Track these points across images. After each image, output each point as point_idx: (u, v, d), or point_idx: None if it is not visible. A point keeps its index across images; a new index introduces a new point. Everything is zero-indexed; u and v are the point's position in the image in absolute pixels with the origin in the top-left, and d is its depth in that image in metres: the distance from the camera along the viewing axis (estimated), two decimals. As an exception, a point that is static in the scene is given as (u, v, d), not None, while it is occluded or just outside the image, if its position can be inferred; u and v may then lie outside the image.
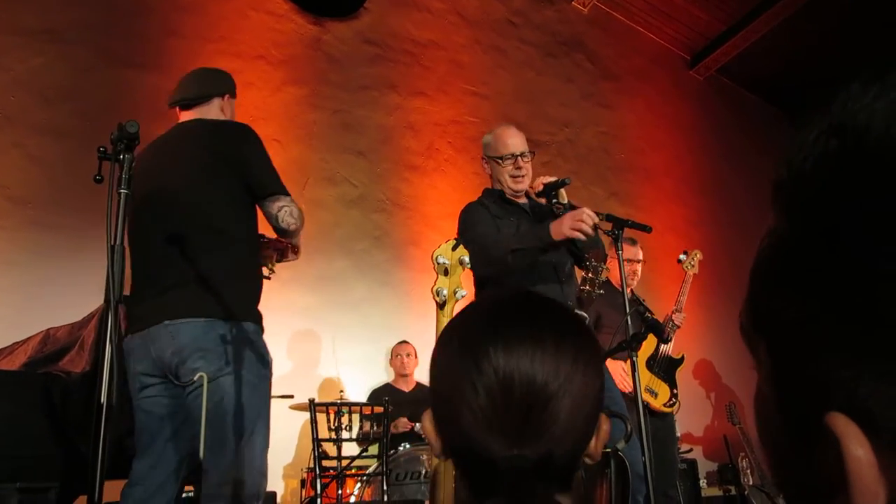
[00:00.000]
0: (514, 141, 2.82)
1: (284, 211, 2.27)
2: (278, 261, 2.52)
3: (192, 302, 2.09)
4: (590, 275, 2.40)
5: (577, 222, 2.39)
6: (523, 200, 2.87)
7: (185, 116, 2.43)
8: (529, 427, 0.65)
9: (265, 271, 2.44)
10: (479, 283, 2.71)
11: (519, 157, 2.78)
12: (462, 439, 0.67)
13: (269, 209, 2.27)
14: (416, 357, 4.62)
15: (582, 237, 2.40)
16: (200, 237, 2.16)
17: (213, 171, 2.22)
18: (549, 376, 0.66)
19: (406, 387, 4.56)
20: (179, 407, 2.15)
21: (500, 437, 0.65)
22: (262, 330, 2.24)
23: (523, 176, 2.79)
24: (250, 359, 2.15)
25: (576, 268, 2.83)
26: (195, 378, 2.04)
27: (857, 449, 0.30)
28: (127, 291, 2.03)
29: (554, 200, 2.65)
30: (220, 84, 2.50)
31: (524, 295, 0.77)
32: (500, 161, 2.81)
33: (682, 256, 4.23)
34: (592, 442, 0.72)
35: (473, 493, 0.70)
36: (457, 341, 0.72)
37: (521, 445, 0.64)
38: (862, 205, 0.31)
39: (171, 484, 2.15)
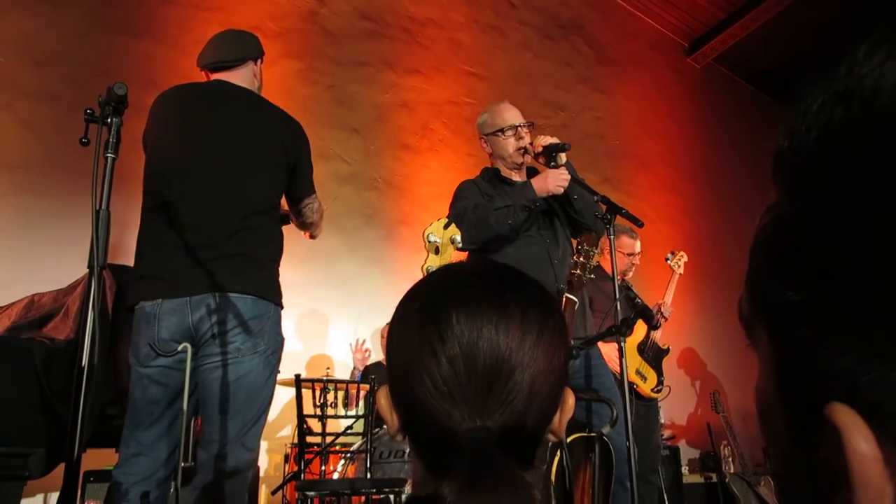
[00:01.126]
0: (512, 113, 2.82)
1: (308, 207, 2.45)
2: None
3: (244, 278, 2.12)
4: (581, 259, 2.39)
5: (563, 179, 2.45)
6: (520, 178, 2.86)
7: (221, 77, 2.41)
8: (493, 398, 0.62)
9: None
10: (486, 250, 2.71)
11: (519, 128, 2.78)
12: (421, 412, 0.64)
13: (296, 206, 2.44)
14: None
15: (559, 192, 2.49)
16: (257, 219, 2.20)
17: (274, 160, 2.29)
18: (514, 345, 0.63)
19: None
20: (193, 379, 2.13)
21: (463, 408, 0.62)
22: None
23: (525, 147, 2.77)
24: (277, 341, 2.22)
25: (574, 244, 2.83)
26: (179, 349, 2.03)
27: (861, 442, 0.28)
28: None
29: (553, 164, 2.65)
30: (254, 47, 2.50)
31: (487, 263, 0.75)
32: (502, 133, 2.80)
33: (668, 256, 4.33)
34: (556, 417, 0.69)
35: (431, 471, 0.66)
36: (417, 309, 0.69)
37: (484, 417, 0.62)
38: (870, 180, 0.28)
39: (173, 456, 2.15)
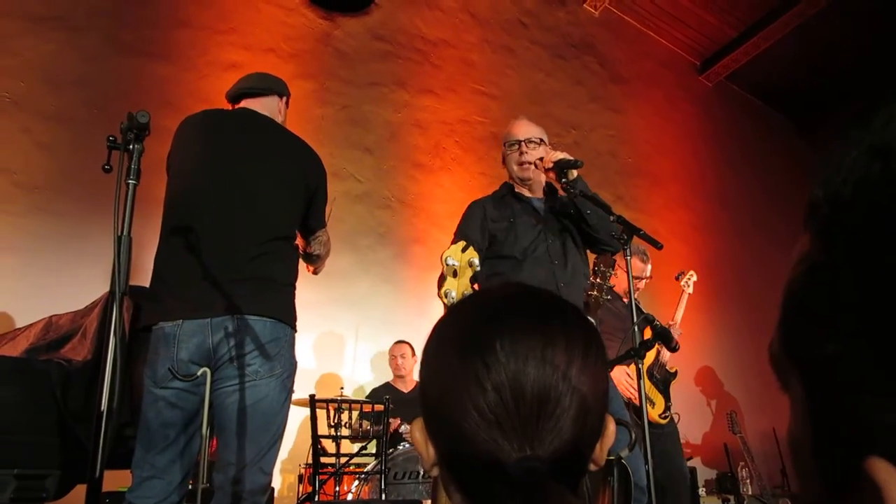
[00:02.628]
0: (521, 128, 2.81)
1: (317, 240, 2.50)
2: None
3: (265, 302, 2.15)
4: (598, 280, 2.38)
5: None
6: (530, 195, 2.84)
7: (247, 104, 2.47)
8: (541, 426, 0.60)
9: None
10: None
11: (523, 143, 2.76)
12: (465, 443, 0.61)
13: (307, 237, 2.49)
14: (413, 356, 4.61)
15: None
16: (276, 244, 2.24)
17: (296, 189, 2.35)
18: (561, 371, 0.61)
19: (405, 387, 4.55)
20: (213, 403, 2.14)
21: (512, 437, 0.59)
22: None
23: (527, 162, 2.76)
24: (292, 364, 2.24)
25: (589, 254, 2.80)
26: (199, 373, 2.05)
27: None
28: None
29: (564, 179, 2.63)
30: (280, 86, 2.58)
31: (524, 287, 0.71)
32: (507, 148, 2.81)
33: (679, 275, 4.31)
34: (598, 446, 0.67)
35: None
36: (456, 338, 0.66)
37: (534, 446, 0.59)
38: None
39: (186, 480, 2.16)
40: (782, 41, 6.87)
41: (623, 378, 3.66)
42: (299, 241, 2.49)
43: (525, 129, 2.81)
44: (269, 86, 2.52)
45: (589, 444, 0.65)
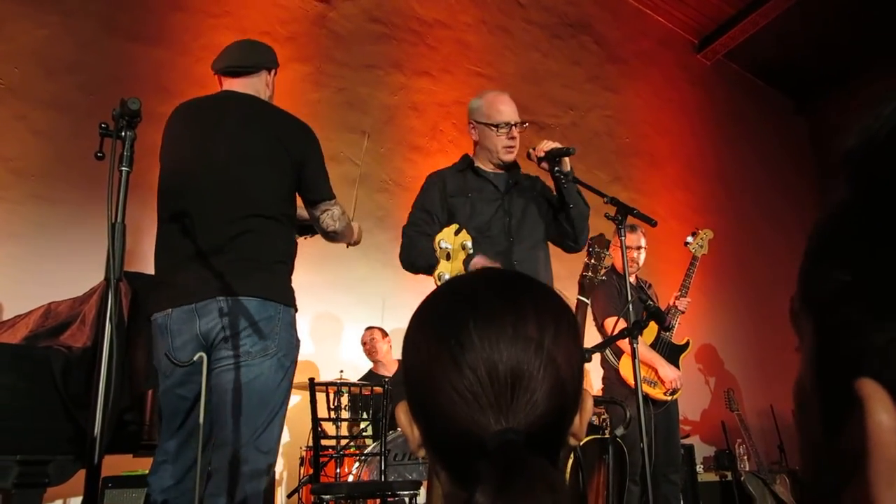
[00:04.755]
0: (509, 109, 2.72)
1: (327, 214, 2.42)
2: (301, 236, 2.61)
3: (249, 281, 2.14)
4: (592, 261, 2.38)
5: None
6: (499, 172, 2.76)
7: (231, 84, 2.44)
8: (516, 400, 0.62)
9: None
10: None
11: (514, 127, 2.69)
12: (444, 420, 0.64)
13: (313, 211, 2.42)
14: (384, 338, 4.63)
15: None
16: (259, 221, 2.21)
17: (276, 162, 2.29)
18: (532, 345, 0.64)
19: (387, 371, 4.56)
20: (210, 385, 2.16)
21: (488, 413, 0.62)
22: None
23: (515, 147, 2.71)
24: (290, 343, 2.22)
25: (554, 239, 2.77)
26: (195, 358, 2.07)
27: (881, 413, 0.30)
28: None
29: (556, 168, 2.59)
30: (268, 57, 2.52)
31: (498, 271, 0.75)
32: (495, 129, 2.70)
33: (689, 239, 4.18)
34: (577, 419, 0.69)
35: (459, 482, 0.65)
36: (433, 320, 0.70)
37: (510, 419, 0.62)
38: None
39: (197, 461, 2.18)
40: (780, 19, 6.82)
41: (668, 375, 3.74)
42: (313, 224, 2.47)
43: (515, 111, 2.73)
44: (253, 62, 2.45)
45: (567, 416, 0.67)
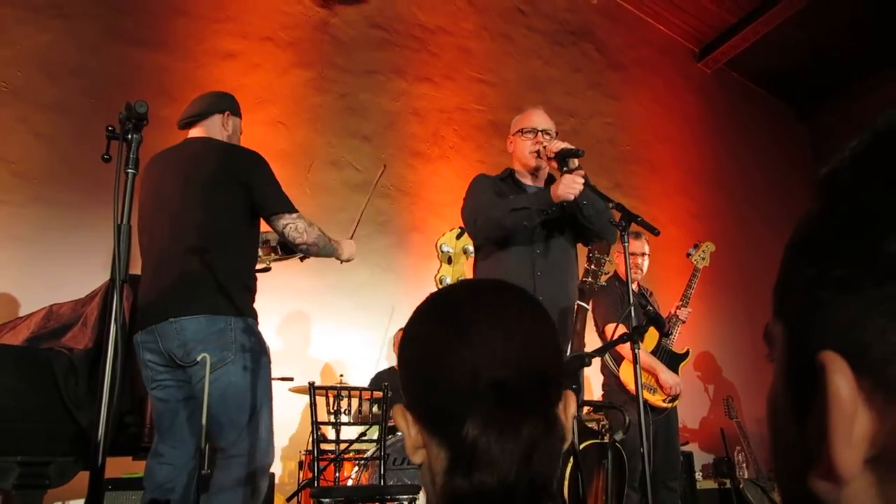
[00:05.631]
0: (538, 117, 2.88)
1: (290, 227, 2.49)
2: (279, 258, 2.82)
3: (194, 299, 2.32)
4: (592, 266, 2.40)
5: (576, 184, 2.48)
6: (532, 184, 2.87)
7: (192, 133, 2.64)
8: (508, 347, 0.71)
9: (259, 264, 2.69)
10: (477, 251, 2.74)
11: (540, 133, 2.82)
12: (443, 381, 0.71)
13: (276, 226, 2.51)
14: None
15: (571, 198, 2.54)
16: (201, 241, 2.38)
17: (219, 186, 2.45)
18: (515, 316, 0.74)
19: None
20: (190, 393, 2.38)
21: (485, 355, 0.70)
22: (257, 323, 2.47)
23: (539, 150, 2.81)
24: (249, 349, 2.38)
25: (579, 251, 2.84)
26: (198, 359, 2.23)
27: (840, 379, 0.32)
28: (135, 273, 2.15)
29: (565, 168, 2.66)
30: (220, 103, 2.70)
31: (489, 280, 0.87)
32: (521, 133, 2.86)
33: (691, 250, 4.22)
34: (561, 415, 0.73)
35: (454, 461, 0.69)
36: (432, 311, 0.79)
37: (505, 362, 0.70)
38: (866, 182, 0.35)
39: (191, 462, 2.39)
40: (781, 27, 6.85)
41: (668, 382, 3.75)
42: (277, 234, 2.58)
43: (544, 120, 2.88)
44: (206, 109, 2.64)
45: (553, 367, 0.75)
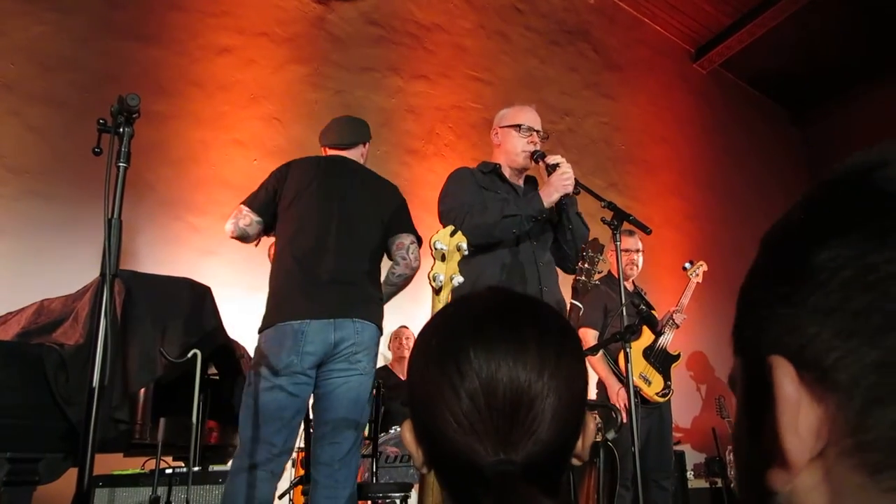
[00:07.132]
0: (533, 116, 2.84)
1: (408, 249, 2.83)
2: None
3: (373, 311, 2.62)
4: (586, 265, 2.40)
5: (565, 178, 2.46)
6: (519, 183, 2.84)
7: (334, 152, 2.94)
8: (515, 430, 0.63)
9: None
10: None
11: (535, 133, 2.78)
12: (445, 446, 0.65)
13: (402, 241, 2.83)
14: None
15: (569, 191, 2.54)
16: (374, 265, 2.74)
17: (381, 223, 2.80)
18: (533, 376, 0.63)
19: (402, 373, 4.58)
20: (318, 390, 2.54)
21: (486, 442, 0.62)
22: None
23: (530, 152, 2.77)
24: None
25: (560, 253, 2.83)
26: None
27: (784, 376, 0.37)
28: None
29: (549, 170, 2.64)
30: (364, 135, 3.03)
31: (504, 294, 0.74)
32: (517, 130, 2.79)
33: (687, 265, 4.35)
34: (579, 443, 0.70)
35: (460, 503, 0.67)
36: (435, 345, 0.69)
37: (508, 450, 0.62)
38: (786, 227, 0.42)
39: (291, 452, 2.57)
40: (777, 29, 6.87)
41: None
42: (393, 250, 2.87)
43: (538, 120, 2.84)
44: (354, 140, 2.96)
45: (566, 443, 0.67)
